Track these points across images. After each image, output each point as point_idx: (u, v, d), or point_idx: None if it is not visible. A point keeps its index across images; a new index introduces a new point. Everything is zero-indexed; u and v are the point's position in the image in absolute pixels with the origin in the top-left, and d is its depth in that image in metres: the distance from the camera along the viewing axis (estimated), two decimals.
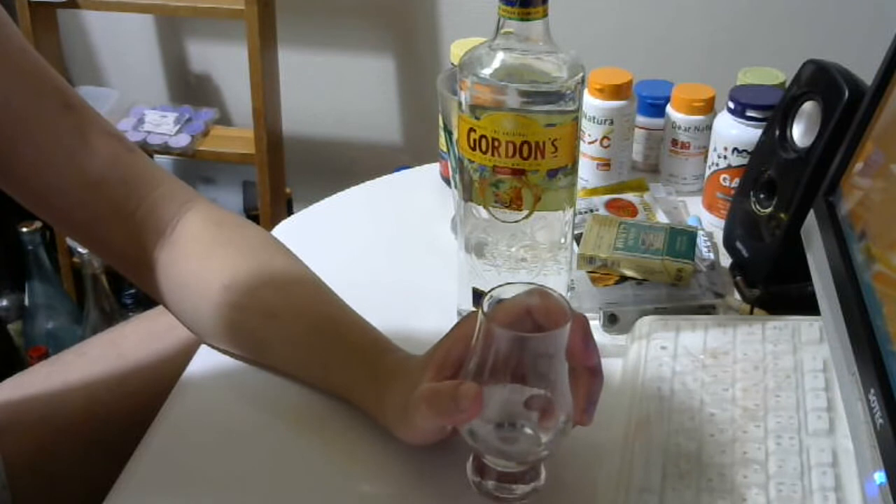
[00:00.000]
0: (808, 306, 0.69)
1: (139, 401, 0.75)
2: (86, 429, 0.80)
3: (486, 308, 0.55)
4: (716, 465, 0.60)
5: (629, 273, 0.79)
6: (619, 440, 0.63)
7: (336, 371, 0.67)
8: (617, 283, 0.79)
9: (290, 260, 0.73)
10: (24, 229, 1.72)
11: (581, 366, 0.57)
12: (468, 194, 0.67)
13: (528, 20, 0.62)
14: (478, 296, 0.71)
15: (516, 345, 0.54)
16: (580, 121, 0.66)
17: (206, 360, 0.73)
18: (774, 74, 0.95)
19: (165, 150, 1.83)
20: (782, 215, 0.78)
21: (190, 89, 2.10)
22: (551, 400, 0.56)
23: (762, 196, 0.81)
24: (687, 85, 0.96)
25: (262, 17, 1.68)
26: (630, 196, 0.92)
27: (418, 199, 0.98)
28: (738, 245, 0.84)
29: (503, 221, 0.67)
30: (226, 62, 2.03)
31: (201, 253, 0.72)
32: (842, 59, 0.77)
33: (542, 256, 0.68)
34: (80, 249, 1.78)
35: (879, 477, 0.51)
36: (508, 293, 0.57)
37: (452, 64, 0.88)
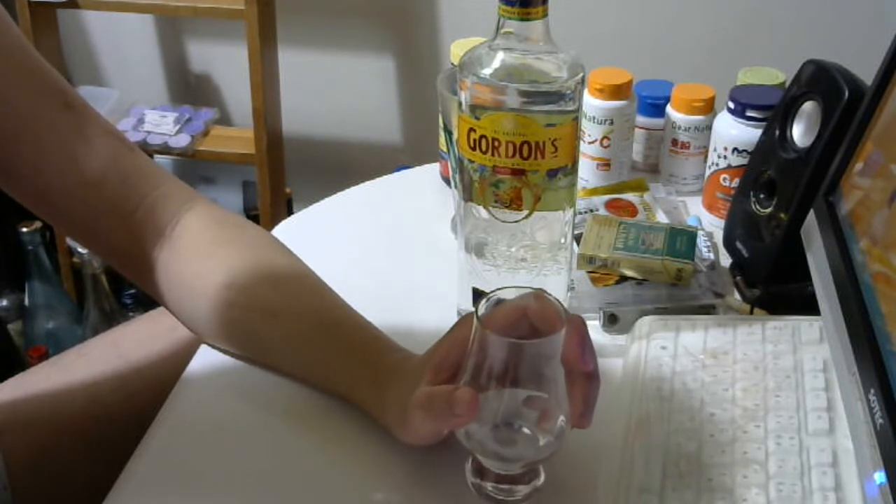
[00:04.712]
0: (808, 306, 0.69)
1: (140, 401, 0.75)
2: (87, 429, 0.80)
3: (480, 313, 0.55)
4: (716, 465, 0.60)
5: (629, 273, 0.79)
6: (619, 440, 0.63)
7: (336, 371, 0.67)
8: (617, 283, 0.79)
9: (291, 259, 0.73)
10: (24, 229, 1.72)
11: (577, 370, 0.57)
12: (468, 194, 0.67)
13: (528, 20, 0.62)
14: (478, 296, 0.71)
15: (512, 350, 0.54)
16: (580, 121, 0.66)
17: (206, 360, 0.73)
18: (774, 74, 0.95)
19: (165, 150, 1.83)
20: (782, 215, 0.78)
21: (190, 89, 2.10)
22: (549, 403, 0.56)
23: (762, 196, 0.81)
24: (687, 85, 0.96)
25: (262, 17, 1.68)
26: (630, 196, 0.92)
27: (418, 199, 0.98)
28: (738, 245, 0.84)
29: (503, 221, 0.67)
30: (226, 62, 2.03)
31: (201, 252, 0.72)
32: (842, 59, 0.77)
33: (542, 256, 0.68)
34: (80, 249, 1.78)
35: (879, 477, 0.51)
36: (504, 297, 0.57)
37: (452, 64, 0.88)
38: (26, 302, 1.80)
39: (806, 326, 0.71)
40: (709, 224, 0.91)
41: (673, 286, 0.78)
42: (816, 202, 0.70)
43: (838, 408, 0.63)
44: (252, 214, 1.91)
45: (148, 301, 0.79)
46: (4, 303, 1.97)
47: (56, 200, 0.71)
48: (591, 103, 0.94)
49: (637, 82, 0.97)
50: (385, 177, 1.04)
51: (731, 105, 0.88)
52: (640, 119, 0.99)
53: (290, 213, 1.94)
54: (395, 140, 2.05)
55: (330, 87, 2.01)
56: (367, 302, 0.70)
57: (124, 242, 0.72)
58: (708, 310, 0.77)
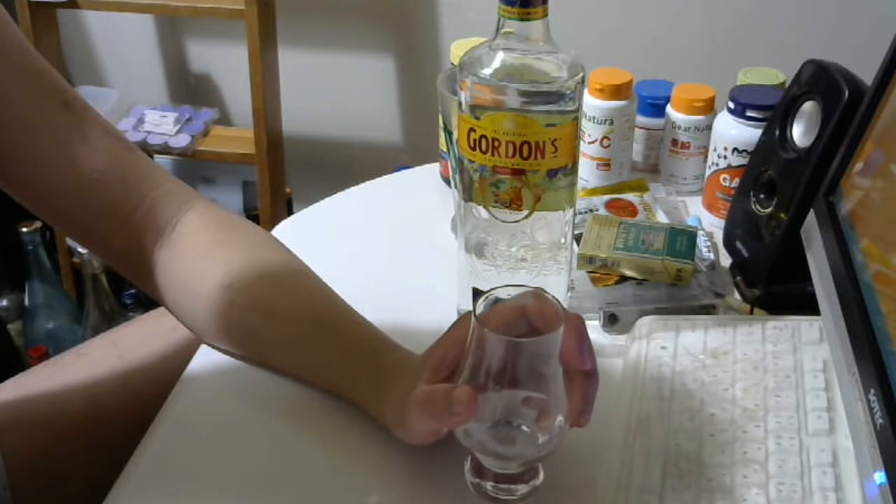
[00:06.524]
0: (808, 306, 0.69)
1: (140, 402, 0.75)
2: (87, 429, 0.80)
3: (478, 312, 0.55)
4: (716, 465, 0.60)
5: (629, 273, 0.79)
6: (619, 440, 0.63)
7: (336, 370, 0.67)
8: (617, 283, 0.79)
9: (290, 259, 0.73)
10: (24, 229, 1.72)
11: (576, 369, 0.57)
12: (468, 194, 0.67)
13: (528, 20, 0.62)
14: (478, 296, 0.71)
15: (510, 348, 0.54)
16: (580, 121, 0.66)
17: (206, 360, 0.73)
18: (774, 74, 0.95)
19: (165, 150, 1.83)
20: (782, 215, 0.78)
21: (190, 89, 2.10)
22: (547, 402, 0.56)
23: (762, 196, 0.81)
24: (687, 85, 0.96)
25: (262, 17, 1.68)
26: (630, 196, 0.92)
27: (418, 199, 0.98)
28: (738, 245, 0.84)
29: (503, 221, 0.66)
30: (226, 62, 2.03)
31: (201, 252, 0.72)
32: (842, 59, 0.77)
33: (542, 256, 0.68)
34: (80, 249, 1.78)
35: (879, 477, 0.51)
36: (502, 296, 0.57)
37: (452, 64, 0.88)
38: (26, 302, 1.80)
39: (806, 326, 0.71)
40: (709, 224, 0.91)
41: (673, 286, 0.78)
42: (816, 202, 0.70)
43: (838, 408, 0.63)
44: (252, 214, 1.91)
45: (148, 301, 0.79)
46: (4, 303, 1.97)
47: (55, 200, 0.71)
48: (591, 103, 0.94)
49: (637, 82, 0.97)
50: (385, 177, 1.04)
51: (731, 105, 0.88)
52: (640, 119, 0.99)
53: (290, 213, 1.94)
54: (395, 140, 2.05)
55: (330, 87, 2.01)
56: (367, 302, 0.70)
57: (124, 243, 0.72)
58: (708, 310, 0.77)
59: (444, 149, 0.94)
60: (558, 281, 0.70)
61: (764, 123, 0.84)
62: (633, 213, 0.90)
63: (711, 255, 0.85)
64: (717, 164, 0.90)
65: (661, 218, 0.89)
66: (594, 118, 0.95)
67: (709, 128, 0.93)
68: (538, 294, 0.57)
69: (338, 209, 0.97)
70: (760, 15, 1.74)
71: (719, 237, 0.88)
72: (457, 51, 0.93)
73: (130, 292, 1.89)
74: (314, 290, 0.71)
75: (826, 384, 0.65)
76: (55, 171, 0.69)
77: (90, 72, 2.12)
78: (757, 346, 0.70)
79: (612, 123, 0.95)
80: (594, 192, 0.95)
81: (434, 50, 1.92)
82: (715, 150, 0.90)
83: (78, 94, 0.72)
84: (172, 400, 0.70)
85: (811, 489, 0.58)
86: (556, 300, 0.56)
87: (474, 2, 1.82)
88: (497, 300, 0.57)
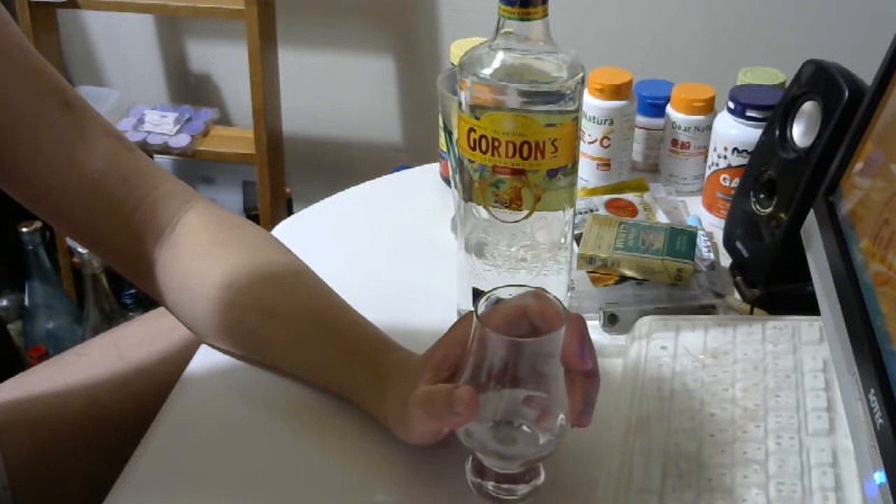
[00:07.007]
0: (808, 306, 0.69)
1: (140, 402, 0.75)
2: (87, 429, 0.80)
3: (480, 311, 0.55)
4: (716, 465, 0.60)
5: (629, 273, 0.79)
6: (619, 440, 0.63)
7: (337, 370, 0.67)
8: (617, 283, 0.79)
9: (290, 259, 0.73)
10: (24, 229, 1.72)
11: (577, 369, 0.57)
12: (468, 194, 0.67)
13: (528, 20, 0.62)
14: (478, 296, 0.71)
15: (511, 348, 0.54)
16: (580, 121, 0.66)
17: (207, 360, 0.73)
18: (774, 74, 0.95)
19: (165, 150, 1.83)
20: (782, 215, 0.78)
21: (190, 89, 2.10)
22: (548, 401, 0.56)
23: (762, 196, 0.81)
24: (687, 85, 0.96)
25: (262, 17, 1.68)
26: (630, 196, 0.92)
27: (418, 199, 0.98)
28: (738, 245, 0.84)
29: (503, 221, 0.67)
30: (226, 62, 2.03)
31: (201, 252, 0.72)
32: (842, 59, 0.77)
33: (542, 256, 0.68)
34: (80, 249, 1.78)
35: (879, 477, 0.51)
36: (503, 296, 0.57)
37: (452, 64, 0.88)
38: (26, 302, 1.80)
39: (806, 326, 0.71)
40: (709, 224, 0.91)
41: (673, 286, 0.78)
42: (816, 202, 0.70)
43: (838, 408, 0.63)
44: (252, 214, 1.91)
45: (148, 301, 0.79)
46: (4, 303, 1.97)
47: (56, 200, 0.71)
48: (591, 103, 0.94)
49: (637, 82, 0.97)
50: (385, 177, 1.04)
51: (731, 105, 0.88)
52: (640, 119, 0.99)
53: (290, 213, 1.94)
54: (395, 140, 2.06)
55: (330, 87, 2.01)
56: (367, 302, 0.70)
57: (124, 242, 0.72)
58: (708, 310, 0.77)
59: (444, 149, 0.94)
60: (558, 281, 0.70)
61: (764, 123, 0.84)
62: (633, 213, 0.90)
63: (711, 255, 0.85)
64: (717, 164, 0.90)
65: (661, 218, 0.89)
66: (594, 118, 0.95)
67: (709, 128, 0.93)
68: (539, 294, 0.57)
69: (338, 209, 0.97)
70: (760, 15, 1.74)
71: (719, 237, 0.88)
72: (457, 51, 0.93)
73: (130, 292, 1.89)
74: (314, 290, 0.71)
75: (826, 384, 0.65)
76: (55, 171, 0.69)
77: (90, 72, 2.12)
78: (757, 346, 0.70)
79: (612, 123, 0.95)
80: (594, 192, 0.95)
81: (434, 50, 1.92)
82: (715, 150, 0.90)
83: (78, 94, 0.72)
84: (172, 400, 0.70)
85: (811, 489, 0.58)
86: (558, 300, 0.56)
87: (474, 2, 1.82)
88: (498, 300, 0.57)
